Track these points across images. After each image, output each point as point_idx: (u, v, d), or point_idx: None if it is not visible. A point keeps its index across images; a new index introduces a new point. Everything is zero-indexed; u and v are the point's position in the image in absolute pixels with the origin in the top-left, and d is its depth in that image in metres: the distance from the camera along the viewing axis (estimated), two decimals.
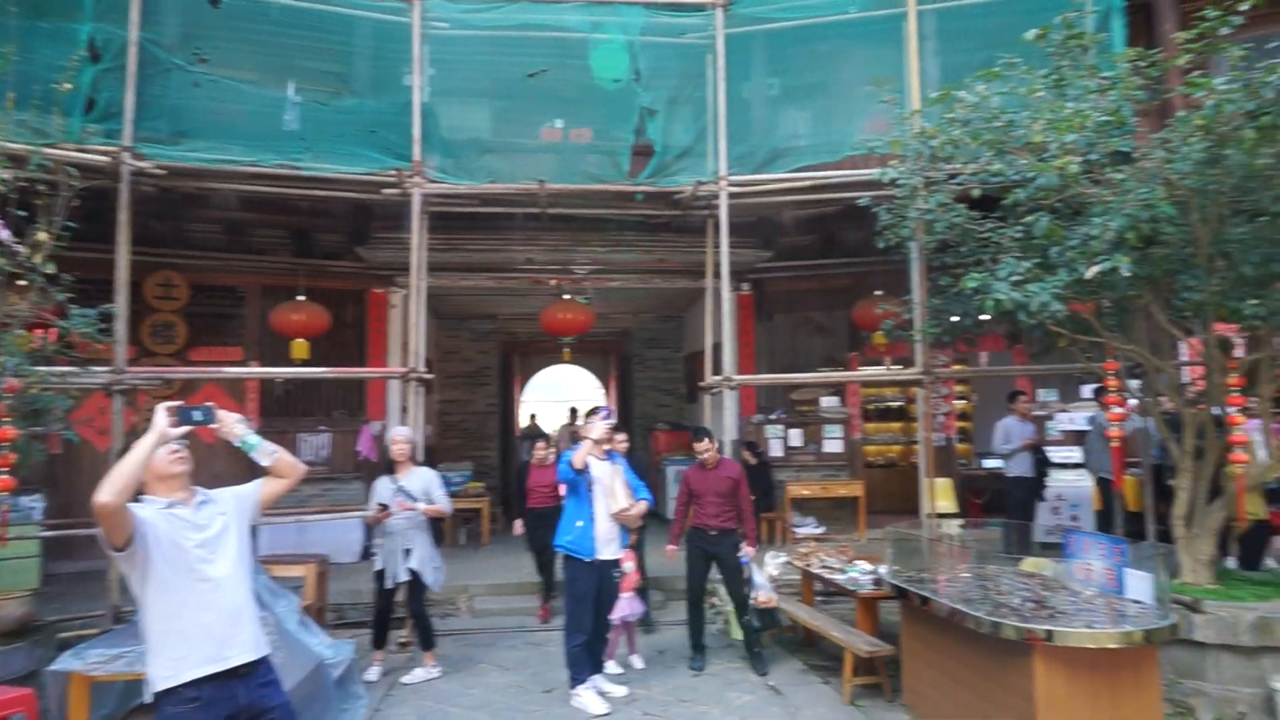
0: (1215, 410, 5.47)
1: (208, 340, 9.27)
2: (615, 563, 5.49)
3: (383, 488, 5.86)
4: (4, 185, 4.88)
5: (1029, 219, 5.21)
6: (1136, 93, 5.11)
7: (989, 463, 10.11)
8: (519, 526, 7.55)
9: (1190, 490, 5.50)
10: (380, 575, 5.90)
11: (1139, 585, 4.27)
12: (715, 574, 6.15)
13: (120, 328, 6.23)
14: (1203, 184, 4.71)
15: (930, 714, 4.85)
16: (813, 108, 8.39)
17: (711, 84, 7.62)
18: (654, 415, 13.86)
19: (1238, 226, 5.05)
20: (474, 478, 11.45)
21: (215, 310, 9.41)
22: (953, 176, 6.12)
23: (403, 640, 6.51)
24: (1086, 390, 9.16)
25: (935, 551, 6.08)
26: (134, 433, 2.60)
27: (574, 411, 13.94)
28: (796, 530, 9.49)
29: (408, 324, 7.74)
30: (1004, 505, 8.85)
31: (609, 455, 5.60)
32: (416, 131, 7.18)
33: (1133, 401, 6.53)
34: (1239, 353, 5.68)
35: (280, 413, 9.48)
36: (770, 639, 6.42)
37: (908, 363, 7.71)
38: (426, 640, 5.94)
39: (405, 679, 5.79)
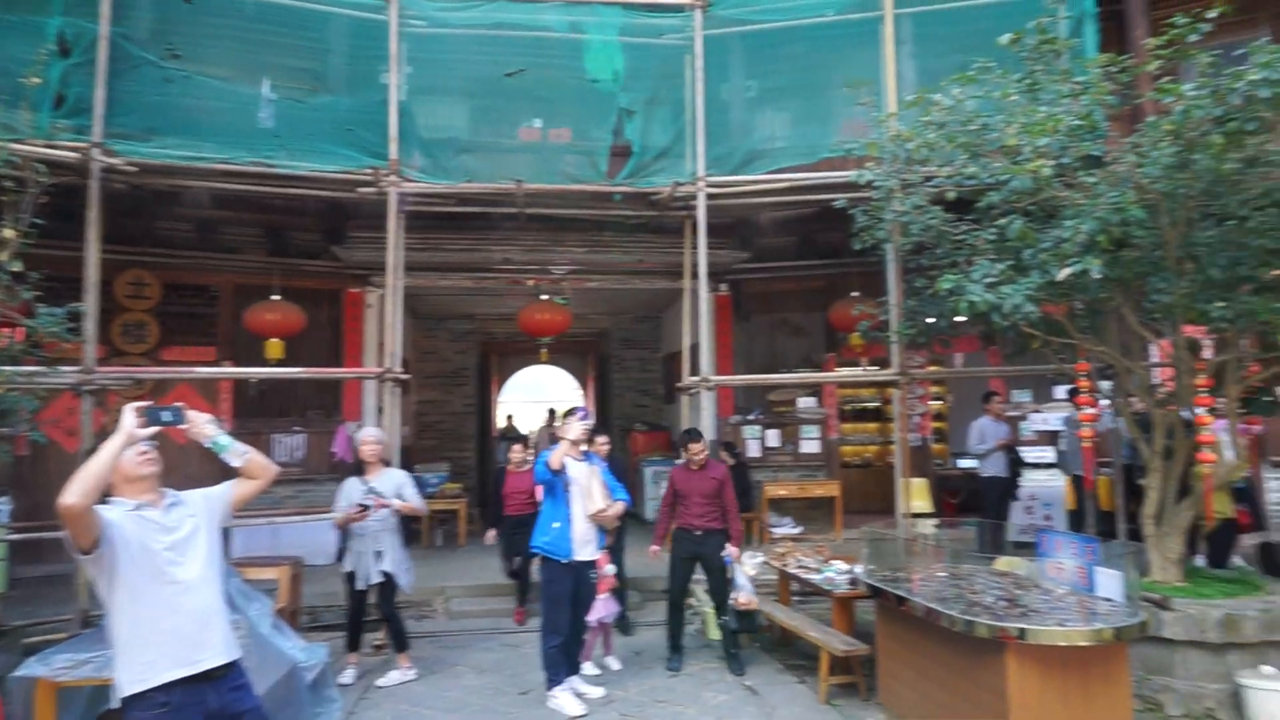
0: (1185, 412, 5.56)
1: (180, 340, 9.15)
2: (592, 564, 5.48)
3: (352, 489, 5.80)
4: None
5: (1003, 221, 5.26)
6: (1108, 97, 5.18)
7: (964, 463, 10.22)
8: (490, 536, 7.48)
9: (1160, 489, 5.58)
10: (350, 577, 5.85)
11: (1110, 583, 4.33)
12: (696, 574, 6.16)
13: (89, 327, 6.13)
14: (1172, 188, 4.78)
15: (905, 712, 4.89)
16: (790, 110, 8.43)
17: (690, 85, 7.63)
18: (632, 416, 13.86)
19: (1206, 230, 5.14)
20: (451, 479, 11.39)
21: (188, 309, 9.29)
22: (928, 179, 6.18)
23: (378, 643, 6.46)
24: (1060, 391, 9.28)
25: (911, 551, 6.13)
26: (104, 434, 2.56)
27: (552, 413, 13.92)
28: (773, 530, 9.52)
29: (384, 324, 7.68)
30: (979, 505, 8.93)
31: (586, 456, 5.59)
32: (393, 130, 7.13)
33: (1104, 402, 6.62)
34: (1207, 354, 5.77)
35: (254, 413, 9.37)
36: (749, 640, 6.43)
37: (884, 364, 7.77)
38: (400, 642, 5.90)
39: (380, 681, 5.74)
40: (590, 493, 5.43)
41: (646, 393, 14.26)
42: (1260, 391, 5.82)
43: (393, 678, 5.78)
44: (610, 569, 5.84)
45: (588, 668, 5.82)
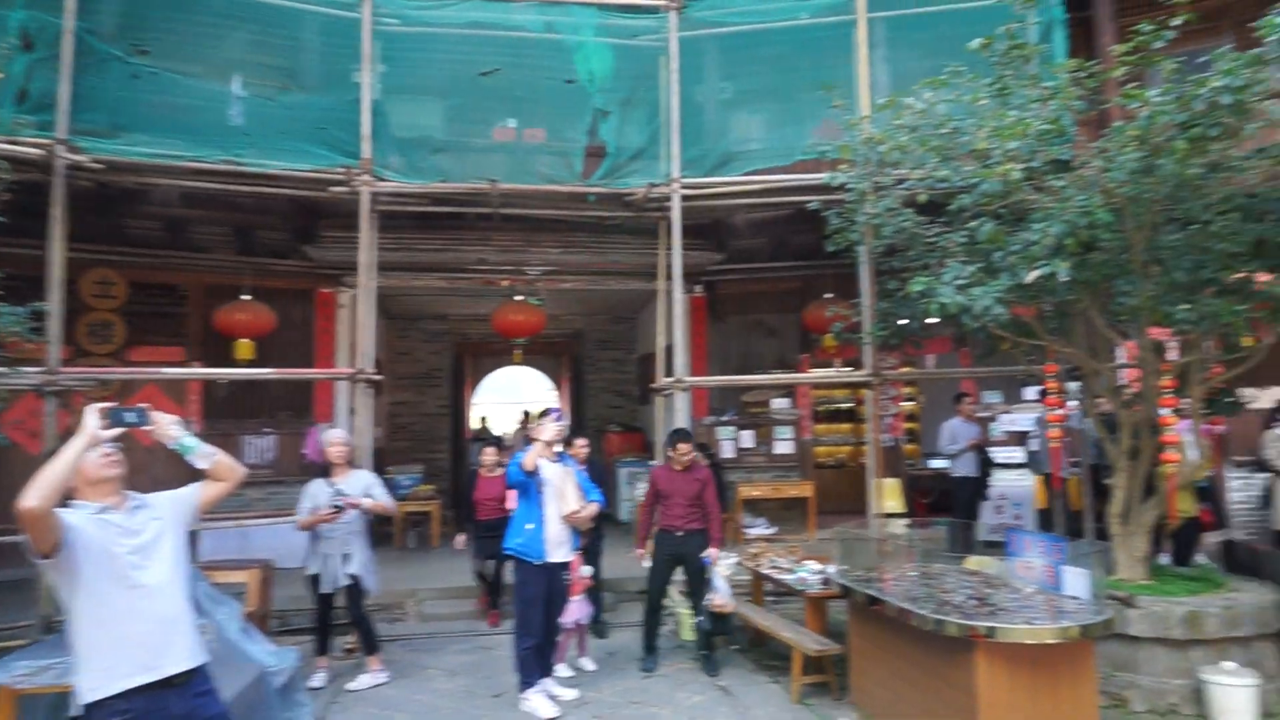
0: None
1: (148, 340, 8.99)
2: (566, 565, 5.46)
3: (317, 491, 5.74)
4: None
5: (973, 224, 5.32)
6: (1076, 102, 5.25)
7: (935, 463, 10.31)
8: (460, 541, 7.43)
9: (1126, 489, 5.67)
10: (315, 580, 5.79)
11: (1077, 582, 4.39)
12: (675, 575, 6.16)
13: (54, 326, 6.02)
14: (1137, 192, 4.86)
15: (877, 711, 4.92)
16: (765, 112, 8.47)
17: (665, 86, 7.64)
18: (606, 417, 13.84)
19: (1170, 234, 5.22)
20: (424, 481, 11.31)
21: (155, 309, 9.13)
22: (900, 182, 6.24)
23: (349, 646, 6.39)
24: (1029, 392, 9.39)
25: (883, 551, 6.18)
26: (68, 436, 2.51)
27: (527, 414, 13.86)
28: (747, 531, 9.55)
29: (356, 324, 7.62)
30: (950, 505, 9.01)
31: (560, 457, 5.58)
32: (366, 129, 7.07)
33: (1072, 403, 6.71)
34: (1172, 356, 5.88)
35: (224, 415, 9.24)
36: (724, 641, 6.44)
37: (857, 365, 7.82)
38: (370, 645, 5.85)
39: (351, 685, 5.69)
40: (564, 494, 5.41)
41: (621, 394, 14.25)
42: (1223, 392, 5.94)
43: (364, 681, 5.72)
44: (587, 570, 5.83)
45: (561, 669, 5.80)
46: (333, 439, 5.93)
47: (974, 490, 8.69)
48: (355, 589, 5.74)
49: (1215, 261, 5.06)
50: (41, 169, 6.16)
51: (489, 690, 5.64)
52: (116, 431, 2.61)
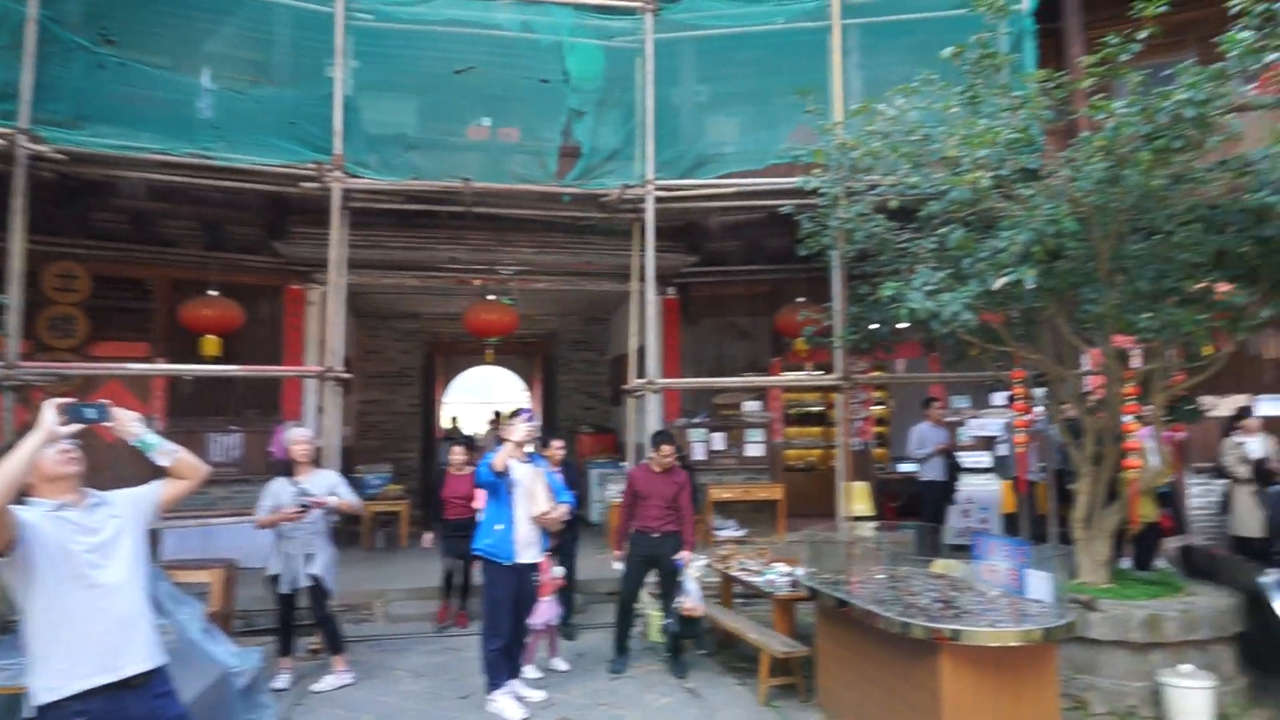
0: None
1: (111, 335, 8.82)
2: (535, 567, 5.44)
3: (280, 489, 5.66)
4: None
5: (943, 231, 5.39)
6: (1044, 112, 5.33)
7: (904, 467, 10.40)
8: (428, 539, 7.37)
9: (1089, 494, 5.75)
10: (275, 580, 5.73)
11: (1040, 585, 4.45)
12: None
13: (13, 320, 5.91)
14: (1103, 201, 4.94)
15: (843, 713, 4.95)
16: (740, 115, 8.51)
17: (640, 88, 7.64)
18: (578, 418, 13.80)
19: (1135, 243, 5.32)
20: (394, 480, 11.20)
21: (120, 304, 8.96)
22: (872, 187, 6.29)
23: (313, 647, 6.32)
24: (997, 397, 9.51)
25: (851, 554, 6.23)
26: (26, 432, 2.46)
27: (498, 415, 13.80)
28: (717, 533, 9.57)
29: (326, 322, 7.53)
30: (918, 508, 9.10)
31: (531, 458, 5.55)
32: (338, 124, 7.00)
33: (1039, 408, 6.81)
34: (1135, 363, 5.98)
35: (189, 412, 9.09)
36: (692, 643, 6.44)
37: (828, 368, 7.87)
38: (335, 645, 5.79)
39: (316, 686, 5.62)
40: (534, 495, 5.39)
41: (593, 395, 14.21)
42: (1184, 400, 6.05)
43: (329, 682, 5.66)
44: (559, 570, 5.81)
45: (530, 670, 5.78)
46: (297, 437, 5.87)
47: (942, 494, 8.77)
48: (318, 589, 5.68)
49: (1178, 271, 5.15)
50: (2, 159, 6.04)
51: (456, 692, 5.60)
52: (75, 428, 2.56)
